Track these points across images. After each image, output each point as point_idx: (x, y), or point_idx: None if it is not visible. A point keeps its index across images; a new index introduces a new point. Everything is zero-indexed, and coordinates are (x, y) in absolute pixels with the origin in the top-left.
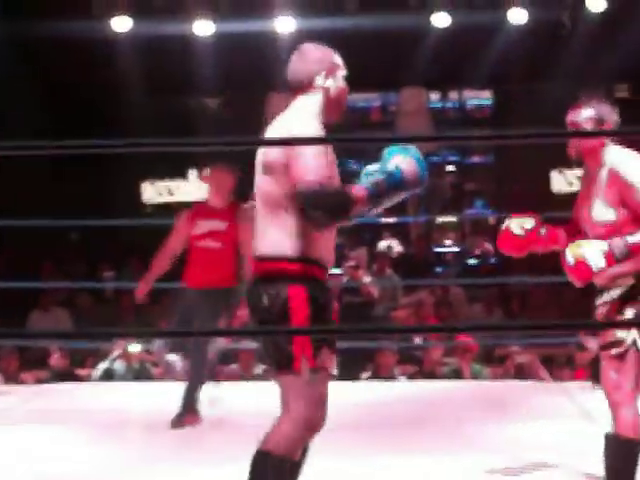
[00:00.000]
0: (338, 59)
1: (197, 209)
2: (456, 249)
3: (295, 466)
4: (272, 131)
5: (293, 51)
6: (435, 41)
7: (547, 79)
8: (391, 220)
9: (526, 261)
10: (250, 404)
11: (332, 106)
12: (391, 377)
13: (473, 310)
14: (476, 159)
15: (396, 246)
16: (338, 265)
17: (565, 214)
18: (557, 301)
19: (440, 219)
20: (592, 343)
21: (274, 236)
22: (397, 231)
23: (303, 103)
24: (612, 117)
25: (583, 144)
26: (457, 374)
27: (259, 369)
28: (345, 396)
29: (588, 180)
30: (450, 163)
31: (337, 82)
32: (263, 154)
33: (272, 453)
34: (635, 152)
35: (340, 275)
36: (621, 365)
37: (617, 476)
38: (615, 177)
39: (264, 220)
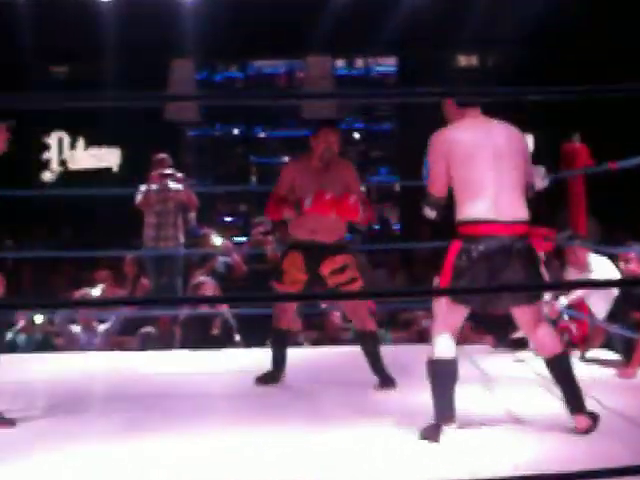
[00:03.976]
0: None
1: None
2: None
3: None
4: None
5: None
6: (341, 8)
7: (452, 46)
8: None
9: (429, 228)
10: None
11: None
12: (296, 343)
13: (376, 275)
14: (381, 126)
15: None
16: (246, 233)
17: None
18: None
19: None
20: None
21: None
22: None
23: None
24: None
25: None
26: None
27: None
28: (250, 363)
29: None
30: (356, 130)
31: None
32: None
33: (563, 353)
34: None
35: (247, 242)
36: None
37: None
38: None
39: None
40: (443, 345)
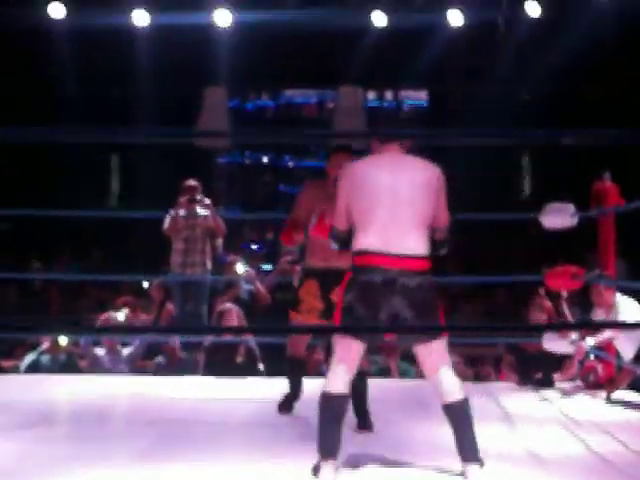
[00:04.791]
0: None
1: None
2: None
3: None
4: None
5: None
6: (373, 40)
7: (482, 81)
8: None
9: (459, 262)
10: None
11: None
12: (319, 374)
13: None
14: None
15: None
16: (272, 262)
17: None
18: (487, 302)
19: None
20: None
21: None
22: None
23: None
24: None
25: None
26: (385, 372)
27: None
28: (272, 392)
29: None
30: None
31: None
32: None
33: (466, 397)
34: None
35: (273, 271)
36: None
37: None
38: None
39: (414, 227)
40: (335, 380)
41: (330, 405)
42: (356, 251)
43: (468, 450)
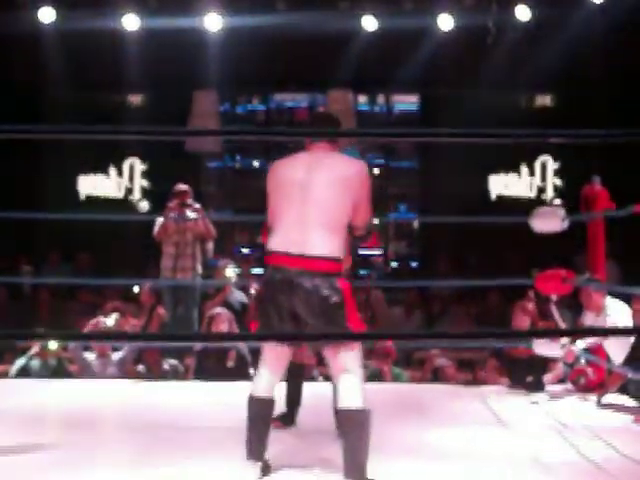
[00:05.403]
0: None
1: None
2: (379, 252)
3: None
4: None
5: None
6: (364, 44)
7: (474, 85)
8: None
9: (447, 265)
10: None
11: None
12: (311, 378)
13: (393, 313)
14: (401, 163)
15: None
16: (263, 266)
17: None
18: (478, 305)
19: None
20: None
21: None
22: None
23: None
24: None
25: None
26: (378, 377)
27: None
28: None
29: None
30: (375, 166)
31: None
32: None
33: (364, 408)
34: None
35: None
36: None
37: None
38: None
39: (321, 227)
40: (259, 383)
41: (255, 408)
42: (266, 251)
43: (350, 465)
